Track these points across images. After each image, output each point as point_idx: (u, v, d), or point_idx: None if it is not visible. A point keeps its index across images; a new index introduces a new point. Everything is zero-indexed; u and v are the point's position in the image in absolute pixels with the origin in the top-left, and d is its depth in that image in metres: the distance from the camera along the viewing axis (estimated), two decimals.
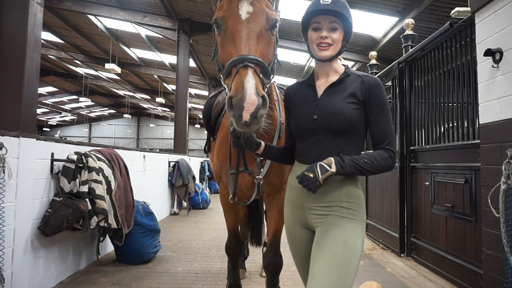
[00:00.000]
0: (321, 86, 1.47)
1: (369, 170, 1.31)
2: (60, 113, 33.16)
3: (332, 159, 1.29)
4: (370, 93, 1.38)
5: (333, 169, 1.27)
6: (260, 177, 1.71)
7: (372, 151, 1.40)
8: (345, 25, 1.41)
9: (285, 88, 2.28)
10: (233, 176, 1.84)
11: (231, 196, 1.87)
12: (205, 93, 19.87)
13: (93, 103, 30.62)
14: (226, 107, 1.23)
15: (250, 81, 1.19)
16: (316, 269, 1.29)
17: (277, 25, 1.46)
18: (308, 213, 1.43)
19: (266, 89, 1.33)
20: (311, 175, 1.26)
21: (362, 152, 1.43)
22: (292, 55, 11.33)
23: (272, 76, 1.45)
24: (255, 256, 3.98)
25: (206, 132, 2.75)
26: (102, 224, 3.14)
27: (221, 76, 1.36)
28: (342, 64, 1.51)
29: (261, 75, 1.28)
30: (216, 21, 1.42)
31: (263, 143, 1.55)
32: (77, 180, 3.00)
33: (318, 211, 1.40)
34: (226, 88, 1.29)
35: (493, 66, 2.40)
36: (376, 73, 5.63)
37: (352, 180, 1.39)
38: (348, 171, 1.29)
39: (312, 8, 1.39)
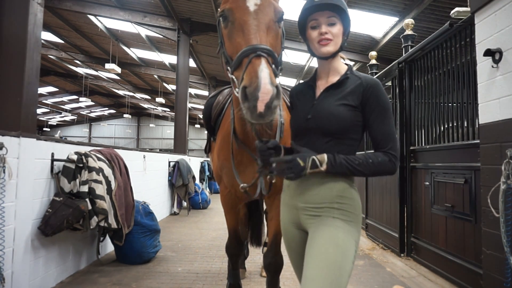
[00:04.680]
0: (321, 86, 1.46)
1: (362, 171, 1.29)
2: (60, 113, 33.17)
3: (325, 156, 1.28)
4: (368, 95, 1.35)
5: (323, 168, 1.27)
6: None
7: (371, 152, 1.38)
8: (343, 19, 1.40)
9: (286, 88, 2.29)
10: (248, 169, 1.86)
11: (243, 185, 1.82)
12: (205, 93, 19.87)
13: (93, 103, 30.63)
14: (239, 98, 1.18)
15: (264, 71, 1.15)
16: (309, 271, 1.26)
17: (283, 18, 1.45)
18: (300, 213, 1.42)
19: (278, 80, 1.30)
20: (302, 164, 1.25)
21: (361, 153, 1.41)
22: (292, 55, 11.34)
23: (280, 68, 1.40)
24: (255, 256, 3.99)
25: (206, 132, 2.75)
26: (102, 224, 3.14)
27: (228, 68, 1.32)
28: (346, 64, 1.49)
29: (273, 66, 1.25)
30: (223, 13, 1.39)
31: (282, 147, 1.50)
32: (77, 180, 3.00)
33: (310, 211, 1.38)
34: (236, 80, 1.25)
35: (492, 66, 2.41)
36: (376, 73, 5.63)
37: (345, 181, 1.37)
38: (339, 171, 1.28)
39: (308, 5, 1.38)
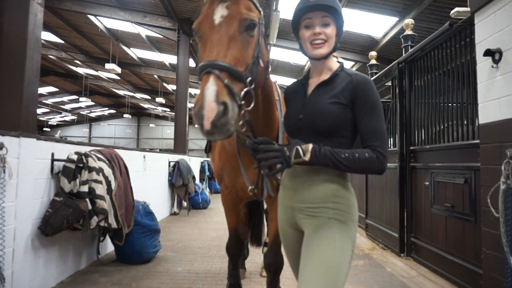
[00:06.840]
0: (312, 84, 1.46)
1: (347, 166, 1.25)
2: (60, 113, 33.17)
3: (310, 146, 1.25)
4: (358, 92, 1.33)
5: (307, 158, 1.24)
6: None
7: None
8: (337, 20, 1.39)
9: (283, 86, 2.29)
10: (255, 170, 1.83)
11: (251, 187, 1.79)
12: None
13: (93, 103, 30.63)
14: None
15: (210, 88, 1.12)
16: (305, 273, 1.26)
17: (256, 25, 1.37)
18: (296, 213, 1.41)
19: (243, 93, 1.24)
20: (287, 154, 1.25)
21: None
22: (292, 55, 11.34)
23: (250, 78, 1.30)
24: (255, 256, 3.99)
25: None
26: (102, 224, 3.14)
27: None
28: (338, 61, 1.48)
29: (226, 80, 1.17)
30: (194, 28, 1.37)
31: (275, 143, 1.49)
32: (77, 180, 3.00)
33: (306, 211, 1.37)
34: None
35: (492, 66, 2.41)
36: (376, 73, 5.64)
37: (340, 181, 1.36)
38: (322, 162, 1.24)
39: (302, 5, 1.37)
